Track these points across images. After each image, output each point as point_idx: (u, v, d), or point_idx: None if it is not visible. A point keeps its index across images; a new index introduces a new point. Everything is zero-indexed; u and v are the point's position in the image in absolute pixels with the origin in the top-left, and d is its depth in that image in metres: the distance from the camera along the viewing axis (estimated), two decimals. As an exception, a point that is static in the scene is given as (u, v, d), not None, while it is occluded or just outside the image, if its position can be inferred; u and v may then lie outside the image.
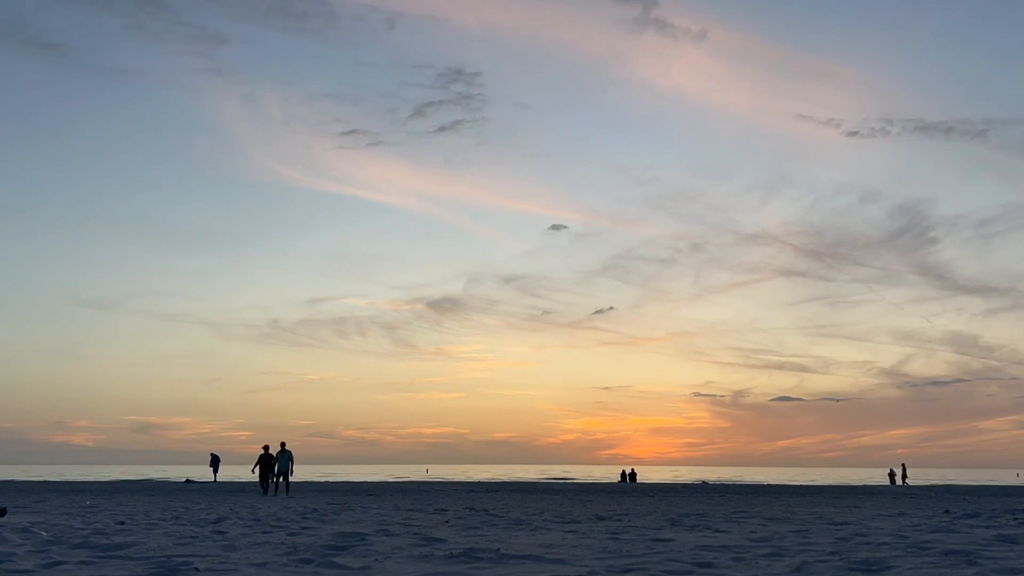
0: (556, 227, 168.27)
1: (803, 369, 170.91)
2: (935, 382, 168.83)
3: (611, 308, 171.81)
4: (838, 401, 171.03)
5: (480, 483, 46.35)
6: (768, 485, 47.60)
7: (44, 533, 11.11)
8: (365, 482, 48.54)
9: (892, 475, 53.27)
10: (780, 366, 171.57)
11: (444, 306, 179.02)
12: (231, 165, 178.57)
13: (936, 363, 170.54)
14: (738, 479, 66.16)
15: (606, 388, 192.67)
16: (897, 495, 31.09)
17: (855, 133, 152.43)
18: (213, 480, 46.44)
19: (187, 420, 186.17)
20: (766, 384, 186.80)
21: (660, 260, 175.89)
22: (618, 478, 57.72)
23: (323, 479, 54.50)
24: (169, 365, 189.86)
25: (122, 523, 13.31)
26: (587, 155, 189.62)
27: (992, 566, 7.52)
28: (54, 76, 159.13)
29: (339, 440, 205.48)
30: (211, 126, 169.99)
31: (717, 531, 11.93)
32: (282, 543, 9.97)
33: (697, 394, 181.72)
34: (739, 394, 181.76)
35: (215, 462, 45.55)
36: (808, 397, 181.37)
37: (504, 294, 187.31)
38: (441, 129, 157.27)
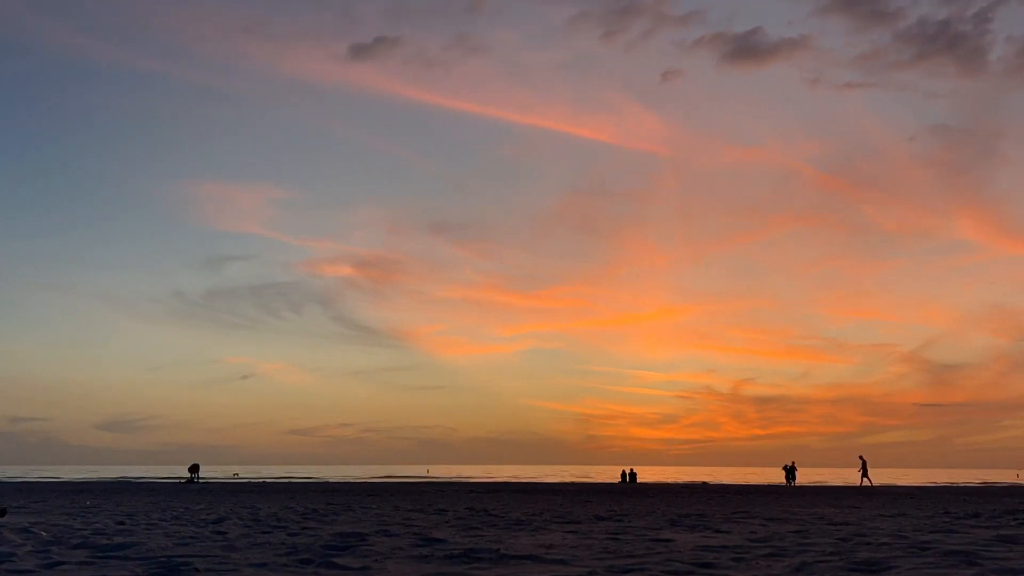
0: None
1: (812, 356, 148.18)
2: (960, 369, 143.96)
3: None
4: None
5: (480, 483, 46.33)
6: (768, 485, 47.54)
7: (44, 533, 11.12)
8: (364, 482, 48.51)
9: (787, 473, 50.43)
10: (788, 352, 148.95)
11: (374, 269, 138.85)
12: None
13: (967, 346, 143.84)
14: (738, 480, 66.16)
15: (593, 380, 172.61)
16: (900, 495, 31.09)
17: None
18: (196, 479, 48.24)
19: (156, 419, 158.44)
20: (770, 373, 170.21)
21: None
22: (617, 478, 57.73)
23: (319, 480, 54.49)
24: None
25: (122, 523, 13.32)
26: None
27: (992, 566, 7.52)
28: None
29: (319, 439, 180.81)
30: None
31: (717, 531, 11.94)
32: (282, 543, 9.98)
33: (695, 385, 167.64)
34: (740, 385, 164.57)
35: (194, 469, 48.68)
36: (814, 391, 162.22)
37: (444, 250, 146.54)
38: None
